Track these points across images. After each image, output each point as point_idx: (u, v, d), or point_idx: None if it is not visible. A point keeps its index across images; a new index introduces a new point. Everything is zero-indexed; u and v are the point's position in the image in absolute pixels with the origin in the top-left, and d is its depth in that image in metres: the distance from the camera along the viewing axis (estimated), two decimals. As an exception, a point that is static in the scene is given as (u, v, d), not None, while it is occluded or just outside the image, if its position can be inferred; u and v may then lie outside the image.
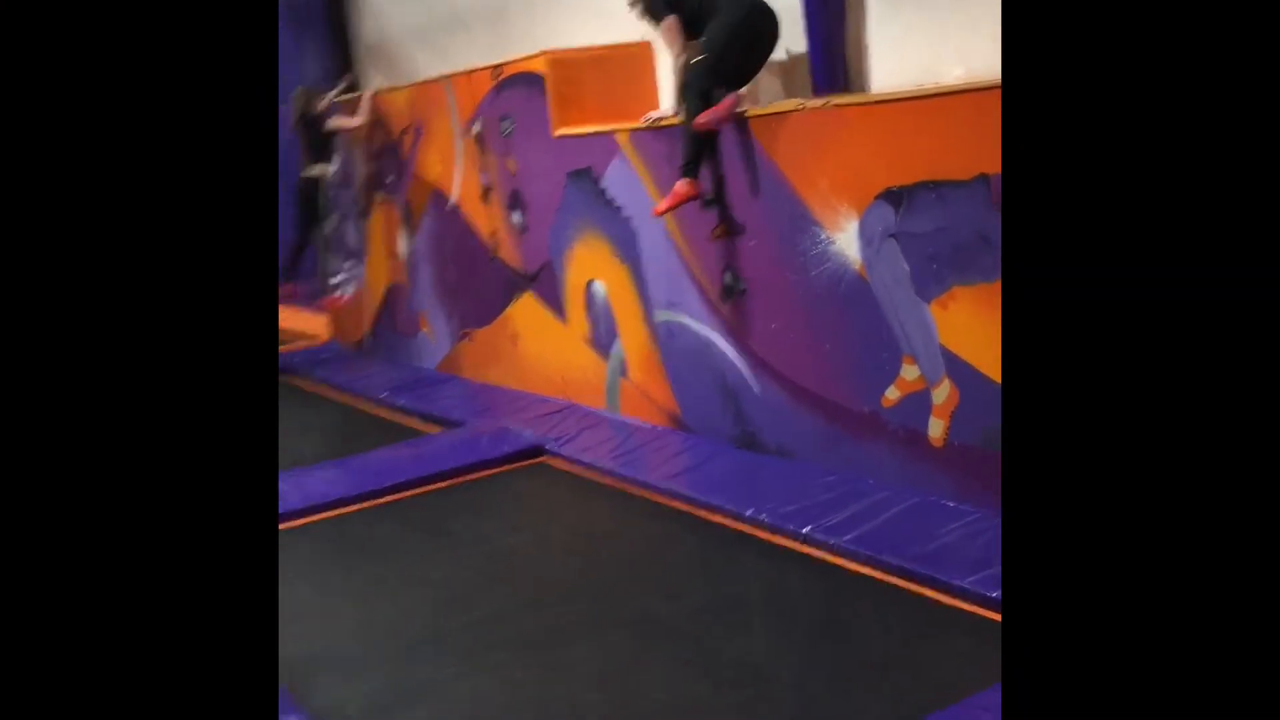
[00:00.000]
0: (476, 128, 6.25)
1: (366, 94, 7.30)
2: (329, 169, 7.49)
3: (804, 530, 3.91)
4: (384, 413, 6.62)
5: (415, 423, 6.30)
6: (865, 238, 4.03)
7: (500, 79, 5.95)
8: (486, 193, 6.29)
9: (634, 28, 5.82)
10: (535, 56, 5.66)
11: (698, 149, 4.50)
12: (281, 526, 4.69)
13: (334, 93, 7.59)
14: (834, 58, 4.67)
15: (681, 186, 4.51)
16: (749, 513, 4.14)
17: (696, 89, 4.43)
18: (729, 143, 4.53)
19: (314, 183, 7.53)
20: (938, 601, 3.41)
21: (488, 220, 6.35)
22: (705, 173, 4.60)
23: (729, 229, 4.64)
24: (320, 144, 7.50)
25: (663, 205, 4.59)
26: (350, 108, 7.36)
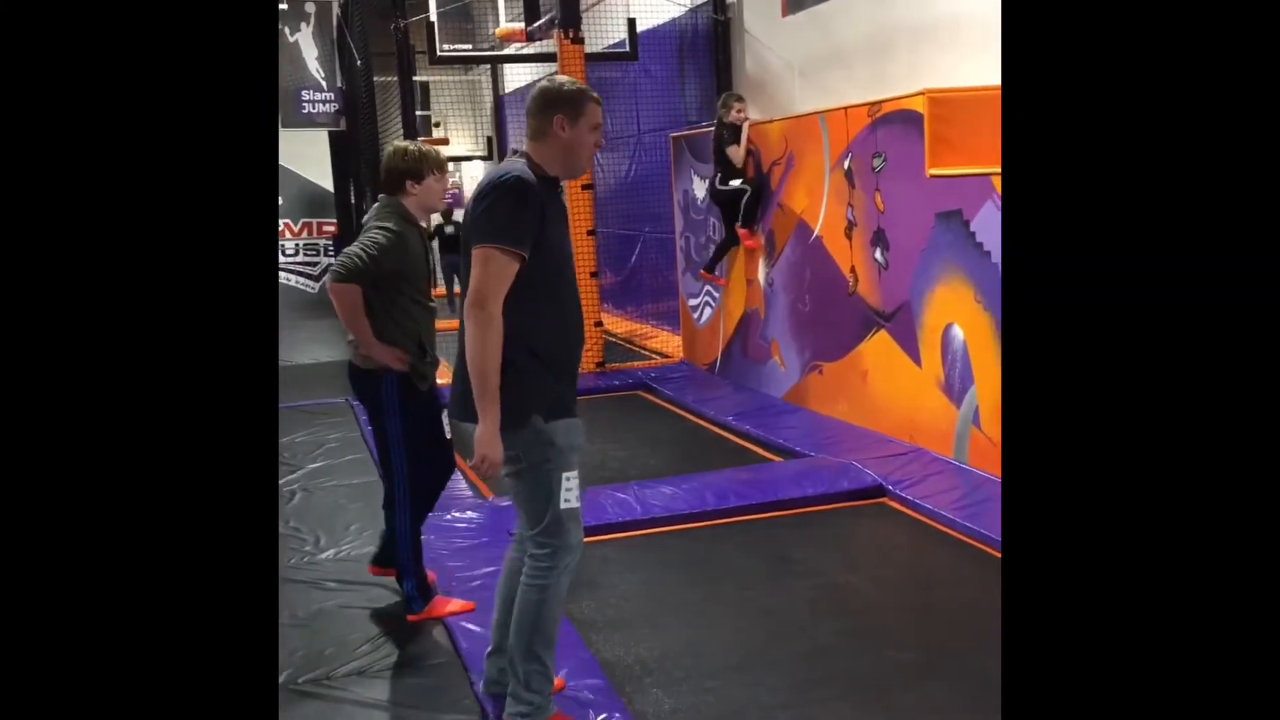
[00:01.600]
0: (847, 163, 6.28)
1: (745, 125, 7.46)
2: (744, 185, 7.52)
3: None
4: (730, 435, 6.77)
5: (759, 449, 6.40)
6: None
7: (877, 115, 5.96)
8: (850, 228, 6.31)
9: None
10: (914, 94, 5.62)
11: None
12: (622, 536, 4.92)
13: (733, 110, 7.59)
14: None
15: None
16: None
17: None
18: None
19: (734, 194, 7.59)
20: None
21: (849, 255, 6.36)
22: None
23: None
24: (724, 158, 7.57)
25: None
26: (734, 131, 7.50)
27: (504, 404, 2.81)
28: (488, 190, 2.79)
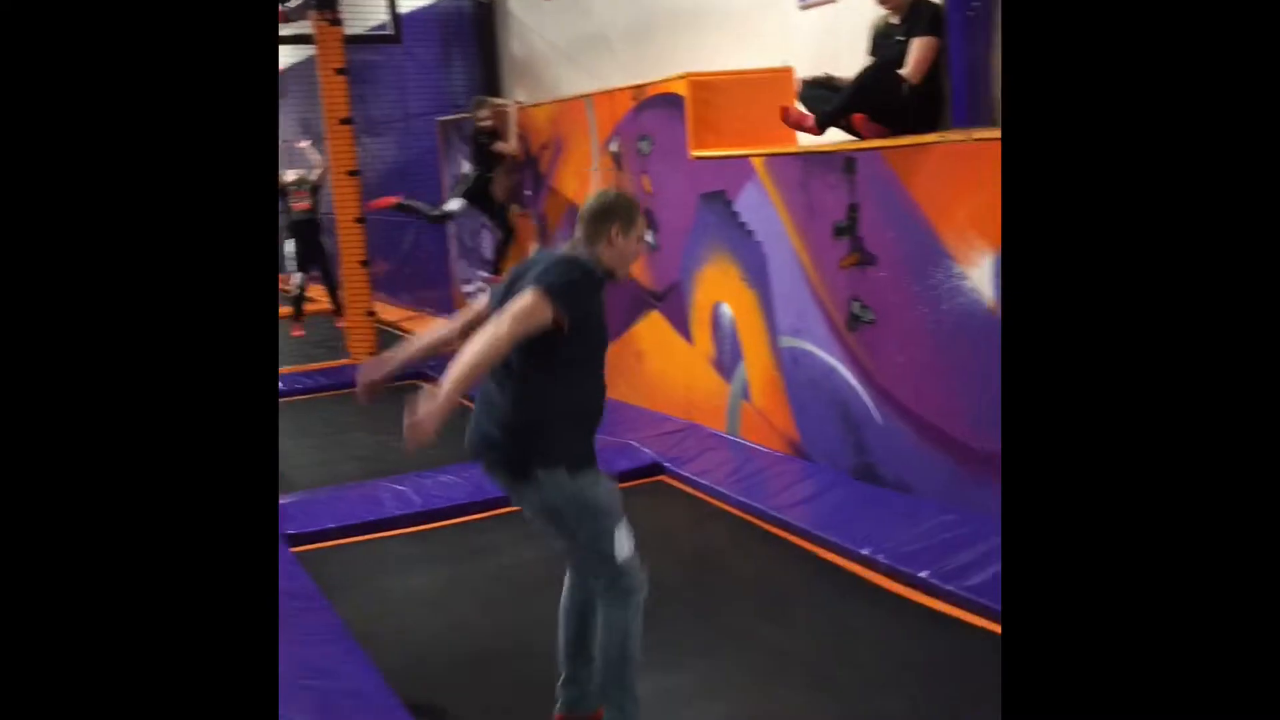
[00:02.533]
0: (614, 146, 6.33)
1: (511, 112, 7.42)
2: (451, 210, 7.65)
3: (920, 574, 3.83)
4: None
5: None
6: (999, 274, 3.95)
7: (641, 99, 6.02)
8: (620, 210, 6.36)
9: (776, 53, 5.84)
10: (676, 78, 5.71)
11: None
12: (400, 532, 4.82)
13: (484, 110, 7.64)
14: (977, 90, 4.59)
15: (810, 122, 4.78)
16: (865, 551, 4.08)
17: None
18: (865, 172, 4.49)
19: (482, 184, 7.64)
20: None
21: (620, 237, 6.41)
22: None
23: (860, 258, 4.60)
24: (485, 156, 7.61)
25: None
26: (499, 120, 7.48)
27: (530, 458, 3.00)
28: (560, 260, 3.04)
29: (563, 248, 3.18)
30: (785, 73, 5.58)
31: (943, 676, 3.29)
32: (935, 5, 4.57)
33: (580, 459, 3.08)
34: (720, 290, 5.59)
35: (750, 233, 5.27)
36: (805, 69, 5.27)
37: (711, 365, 5.75)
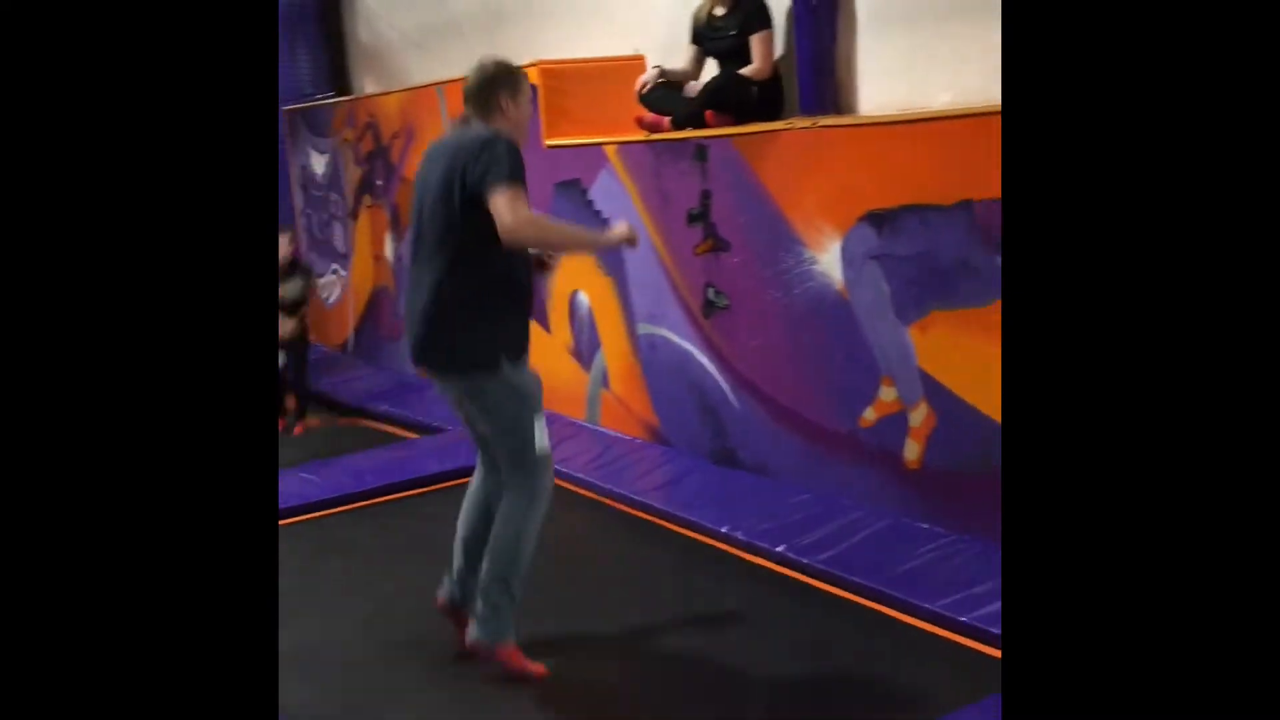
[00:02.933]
0: (467, 135, 6.26)
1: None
2: None
3: (778, 549, 3.93)
4: (367, 418, 6.62)
5: (398, 428, 6.30)
6: (848, 259, 4.06)
7: (492, 87, 5.96)
8: (475, 200, 6.31)
9: (628, 41, 5.86)
10: (527, 66, 5.67)
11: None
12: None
13: None
14: (823, 79, 4.70)
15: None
16: (724, 529, 4.16)
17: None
18: (716, 159, 4.55)
19: None
20: (908, 624, 3.43)
21: (475, 227, 6.35)
22: (695, 181, 4.63)
23: (713, 245, 4.66)
24: None
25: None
26: None
27: (478, 347, 3.14)
28: (485, 144, 3.09)
29: (452, 131, 3.26)
30: (638, 60, 5.61)
31: (803, 640, 3.41)
32: None
33: (516, 344, 3.23)
34: (577, 279, 5.59)
35: (605, 220, 5.29)
36: (656, 56, 5.31)
37: (570, 354, 5.75)
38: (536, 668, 3.30)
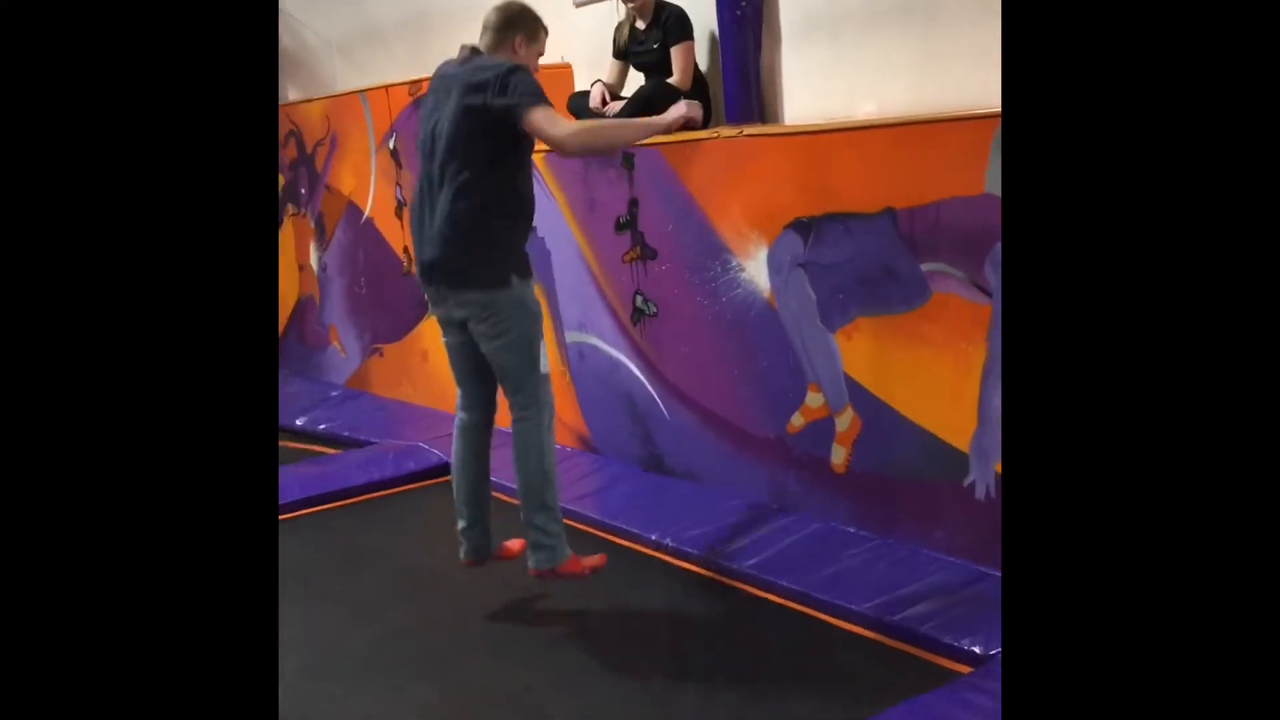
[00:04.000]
0: (392, 142, 6.22)
1: None
2: None
3: (707, 554, 3.95)
4: (291, 434, 6.52)
5: (323, 441, 6.22)
6: (774, 266, 4.10)
7: (418, 95, 5.93)
8: (400, 208, 6.26)
9: (554, 49, 5.87)
10: (453, 74, 5.65)
11: None
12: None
13: None
14: (748, 88, 4.75)
15: None
16: (654, 536, 4.17)
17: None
18: (643, 168, 4.58)
19: None
20: (836, 626, 3.47)
21: (401, 236, 6.31)
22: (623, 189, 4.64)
23: (641, 253, 4.68)
24: None
25: None
26: None
27: (493, 262, 3.32)
28: (502, 72, 3.26)
29: (453, 64, 3.46)
30: (564, 69, 5.62)
31: (732, 644, 3.45)
32: (679, 8, 4.79)
33: (524, 262, 3.43)
34: (505, 287, 5.57)
35: (532, 230, 5.28)
36: (582, 65, 5.32)
37: (498, 362, 5.72)
38: (595, 560, 3.65)
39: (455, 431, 3.68)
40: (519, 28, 3.44)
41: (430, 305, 3.61)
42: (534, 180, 4.96)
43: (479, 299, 3.37)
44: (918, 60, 4.36)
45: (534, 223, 5.17)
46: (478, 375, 3.57)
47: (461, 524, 3.62)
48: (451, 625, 3.74)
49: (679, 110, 3.66)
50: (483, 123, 3.29)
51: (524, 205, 3.48)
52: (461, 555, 3.64)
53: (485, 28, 3.45)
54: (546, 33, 3.58)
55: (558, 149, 3.34)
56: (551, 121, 3.24)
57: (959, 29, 4.80)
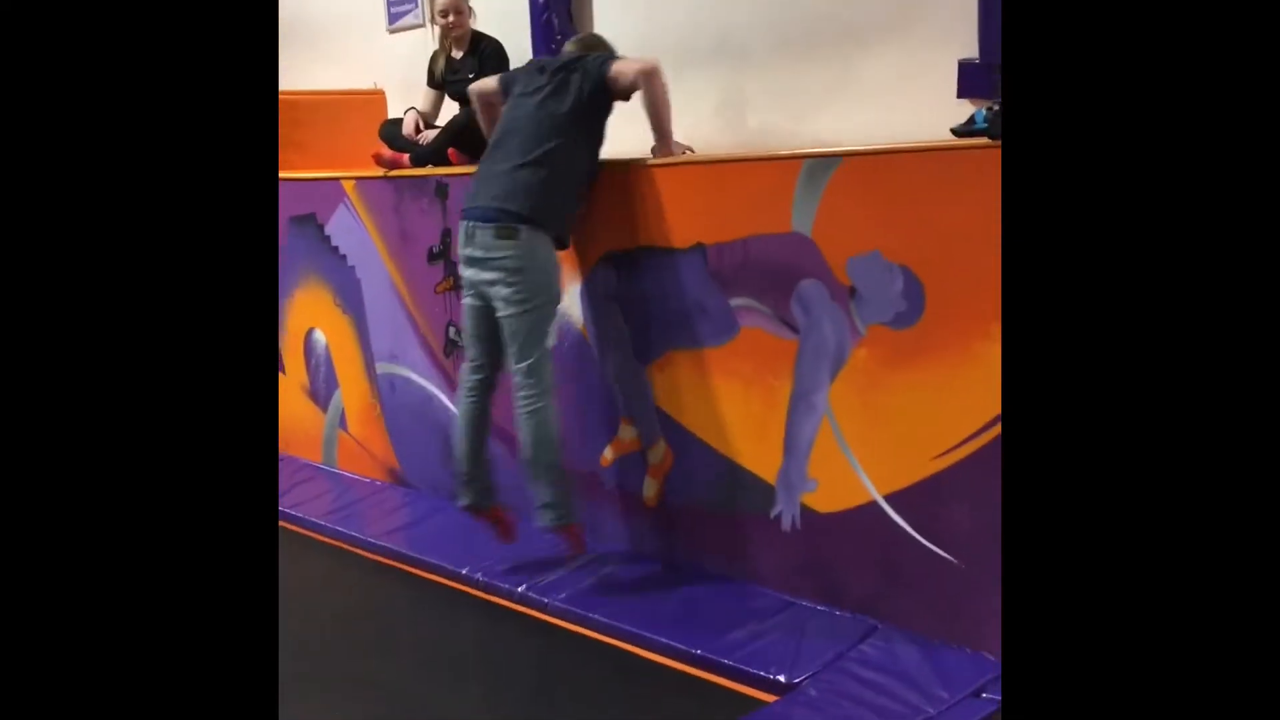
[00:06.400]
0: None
1: None
2: None
3: (518, 589, 3.91)
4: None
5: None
6: (589, 299, 4.12)
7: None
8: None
9: (366, 74, 5.77)
10: (261, 96, 5.49)
11: None
12: None
13: None
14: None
15: None
16: (465, 570, 4.11)
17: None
18: (456, 198, 4.53)
19: None
20: (647, 659, 3.48)
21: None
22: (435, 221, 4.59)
23: (454, 283, 4.63)
24: None
25: None
26: None
27: (554, 213, 3.73)
28: (579, 58, 3.88)
29: (539, 61, 4.03)
30: (377, 95, 5.53)
31: (544, 679, 3.42)
32: (497, 41, 4.86)
33: (569, 231, 3.80)
34: (313, 316, 5.42)
35: (343, 257, 5.16)
36: (395, 91, 5.25)
37: (305, 394, 5.56)
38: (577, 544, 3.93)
39: (461, 405, 4.02)
40: (596, 48, 4.02)
41: None
42: (348, 209, 4.86)
43: (522, 240, 3.73)
44: (725, 103, 4.47)
45: (345, 251, 5.11)
46: (487, 342, 3.92)
47: (461, 480, 4.00)
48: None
49: (679, 148, 3.94)
50: (576, 99, 3.83)
51: (592, 174, 3.92)
52: (460, 502, 4.01)
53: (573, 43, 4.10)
54: None
55: (646, 74, 3.71)
56: (631, 62, 3.77)
57: (766, 71, 4.95)
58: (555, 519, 3.84)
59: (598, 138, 3.83)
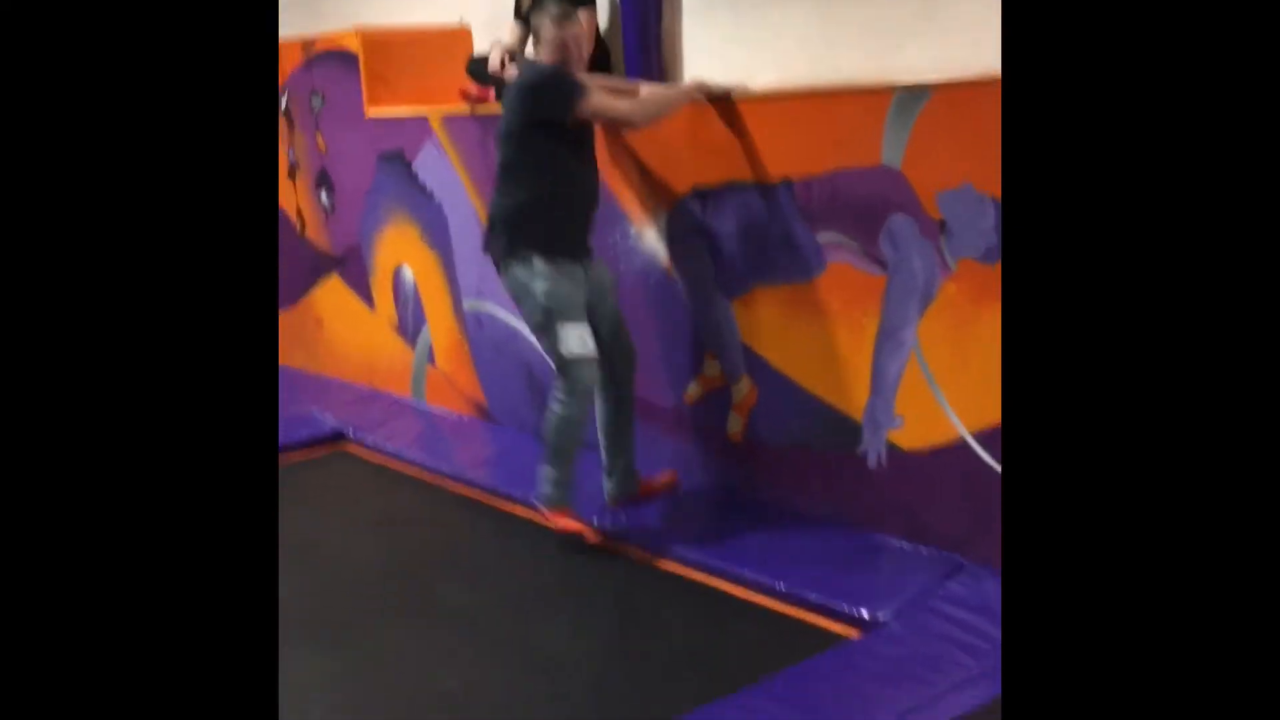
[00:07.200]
0: (284, 102, 6.06)
1: None
2: None
3: (600, 523, 3.95)
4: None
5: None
6: (673, 235, 4.10)
7: (311, 53, 5.78)
8: (294, 170, 6.11)
9: (451, 10, 5.77)
10: (348, 33, 5.53)
11: None
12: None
13: None
14: (649, 54, 4.73)
15: None
16: (551, 504, 4.16)
17: None
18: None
19: None
20: (729, 593, 3.50)
21: (294, 198, 6.16)
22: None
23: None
24: None
25: None
26: None
27: (519, 240, 3.77)
28: (533, 88, 3.78)
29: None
30: (463, 31, 5.53)
31: (626, 611, 3.48)
32: None
33: (560, 246, 3.76)
34: (401, 253, 5.49)
35: (430, 194, 5.20)
36: (482, 28, 5.24)
37: (394, 330, 5.64)
38: (587, 532, 3.84)
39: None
40: (542, 11, 3.78)
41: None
42: (435, 145, 4.88)
43: (514, 273, 3.87)
44: (812, 35, 4.39)
45: (432, 188, 5.15)
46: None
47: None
48: (342, 594, 3.69)
49: (690, 86, 3.92)
50: (524, 126, 3.79)
51: (582, 190, 3.93)
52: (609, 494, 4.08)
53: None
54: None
55: (624, 127, 3.89)
56: (600, 108, 3.71)
57: (856, 4, 4.84)
58: (541, 500, 3.95)
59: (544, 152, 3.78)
